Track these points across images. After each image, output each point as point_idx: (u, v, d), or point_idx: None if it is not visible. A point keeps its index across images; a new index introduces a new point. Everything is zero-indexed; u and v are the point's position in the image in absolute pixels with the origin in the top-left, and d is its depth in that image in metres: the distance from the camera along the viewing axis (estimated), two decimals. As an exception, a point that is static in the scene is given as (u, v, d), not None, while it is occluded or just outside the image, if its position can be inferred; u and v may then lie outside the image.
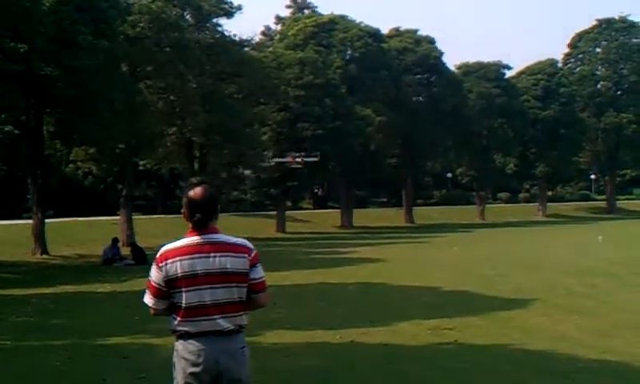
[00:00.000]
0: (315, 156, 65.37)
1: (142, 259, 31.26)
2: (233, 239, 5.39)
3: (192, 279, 5.22)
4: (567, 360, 11.65)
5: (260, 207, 76.52)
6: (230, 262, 5.26)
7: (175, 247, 5.32)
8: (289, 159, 65.50)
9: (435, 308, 17.70)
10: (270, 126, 64.12)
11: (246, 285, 5.34)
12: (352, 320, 15.97)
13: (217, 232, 5.37)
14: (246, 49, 59.73)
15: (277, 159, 65.43)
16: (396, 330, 14.69)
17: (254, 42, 64.32)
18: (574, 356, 11.91)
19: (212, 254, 5.26)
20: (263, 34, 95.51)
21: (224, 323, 5.25)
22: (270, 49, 73.20)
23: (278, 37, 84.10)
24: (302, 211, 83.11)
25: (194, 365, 5.22)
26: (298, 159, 65.43)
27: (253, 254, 5.39)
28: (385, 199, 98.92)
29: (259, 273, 5.43)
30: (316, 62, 67.11)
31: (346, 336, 13.97)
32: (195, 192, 5.37)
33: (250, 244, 5.43)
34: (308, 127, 63.93)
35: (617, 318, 15.75)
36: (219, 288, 5.24)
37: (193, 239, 5.31)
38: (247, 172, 66.99)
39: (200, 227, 5.31)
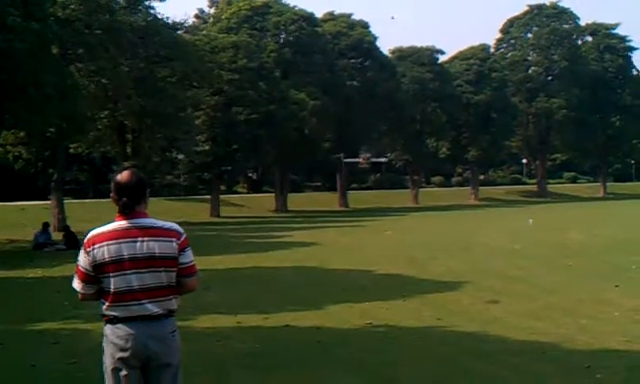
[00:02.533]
0: (385, 156, 65.56)
1: (74, 244, 30.87)
2: (161, 223, 5.36)
3: (119, 264, 5.18)
4: (498, 341, 11.80)
5: (194, 191, 76.14)
6: (158, 247, 5.24)
7: (103, 232, 5.28)
8: (360, 159, 65.76)
9: (368, 291, 17.78)
10: (204, 110, 63.66)
11: (175, 269, 5.32)
12: (285, 304, 15.99)
13: (145, 216, 5.34)
14: (180, 32, 59.19)
15: (347, 160, 65.30)
16: (329, 313, 14.75)
17: (187, 25, 63.76)
18: (504, 337, 12.07)
19: (139, 239, 5.22)
20: (197, 17, 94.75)
21: (152, 308, 5.22)
22: (204, 32, 72.76)
23: (211, 20, 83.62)
24: (237, 195, 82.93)
25: (123, 349, 5.19)
26: (371, 159, 66.05)
27: (182, 239, 5.37)
28: (319, 183, 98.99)
29: (189, 257, 5.40)
30: (250, 46, 66.86)
31: (278, 320, 13.99)
32: (122, 176, 5.33)
33: (179, 228, 5.41)
34: (242, 111, 63.62)
35: (545, 300, 15.97)
36: (146, 273, 5.21)
37: (120, 224, 5.28)
38: (180, 156, 66.56)
39: (127, 211, 5.27)
